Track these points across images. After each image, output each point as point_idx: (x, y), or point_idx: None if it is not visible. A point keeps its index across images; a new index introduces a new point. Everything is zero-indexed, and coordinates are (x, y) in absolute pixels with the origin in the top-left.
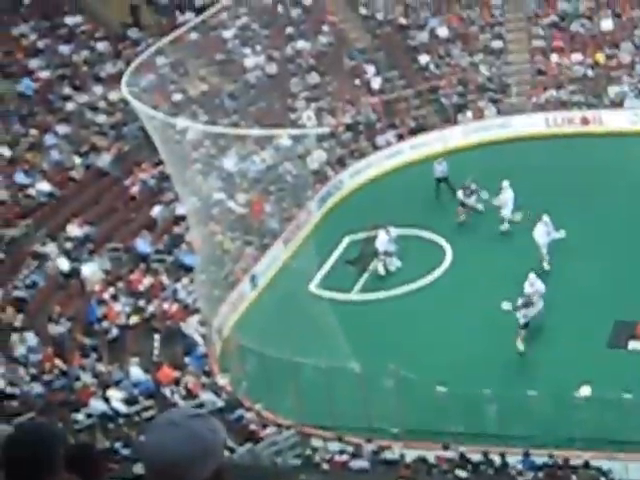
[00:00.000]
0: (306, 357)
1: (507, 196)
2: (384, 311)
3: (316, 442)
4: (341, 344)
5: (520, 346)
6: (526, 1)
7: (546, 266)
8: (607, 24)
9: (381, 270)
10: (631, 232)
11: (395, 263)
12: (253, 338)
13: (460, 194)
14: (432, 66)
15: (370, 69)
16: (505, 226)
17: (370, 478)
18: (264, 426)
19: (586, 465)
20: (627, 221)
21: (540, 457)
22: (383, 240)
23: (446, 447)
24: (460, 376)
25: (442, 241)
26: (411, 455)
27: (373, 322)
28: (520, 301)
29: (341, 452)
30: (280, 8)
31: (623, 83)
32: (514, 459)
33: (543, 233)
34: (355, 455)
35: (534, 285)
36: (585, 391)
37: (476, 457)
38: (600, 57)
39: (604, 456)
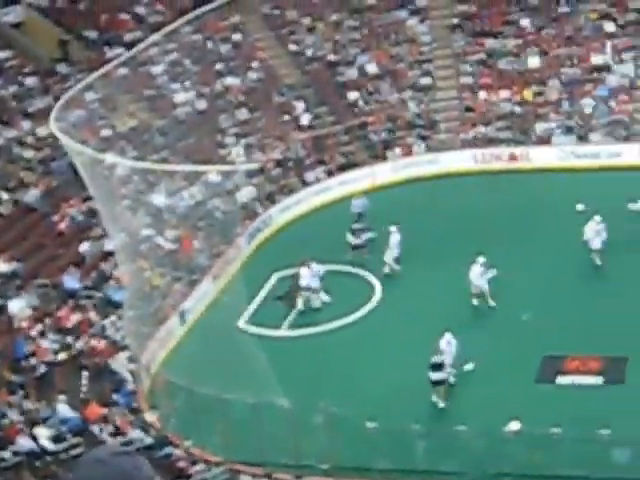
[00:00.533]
0: (235, 393)
1: (393, 240)
2: (313, 347)
3: (245, 479)
4: (270, 380)
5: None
6: (454, 38)
7: (491, 302)
8: (534, 61)
9: (300, 305)
10: (559, 268)
11: (322, 298)
12: (182, 374)
13: (350, 237)
14: (361, 102)
15: (299, 105)
16: (387, 269)
17: None
18: (193, 463)
19: None
20: (555, 257)
21: None
22: (305, 275)
23: None
24: (390, 411)
25: (371, 277)
26: None
27: (302, 358)
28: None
29: None
30: (210, 44)
31: (550, 120)
32: None
33: (478, 274)
34: None
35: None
36: (514, 426)
37: None
38: (527, 94)
39: None
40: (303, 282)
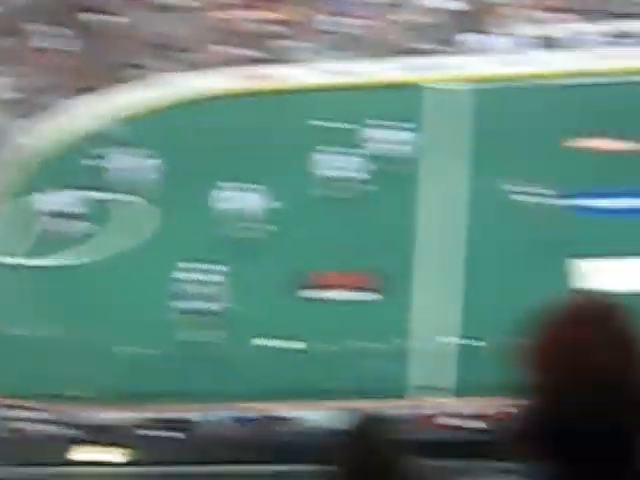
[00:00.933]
0: None
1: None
2: (69, 275)
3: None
4: (16, 309)
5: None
6: None
7: (253, 235)
8: None
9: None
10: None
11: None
12: None
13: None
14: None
15: None
16: None
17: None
18: None
19: (290, 417)
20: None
21: (245, 411)
22: (51, 201)
23: (149, 409)
24: (162, 338)
25: (141, 205)
26: (116, 419)
27: (43, 287)
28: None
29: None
30: None
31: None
32: (218, 415)
33: (242, 203)
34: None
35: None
36: (281, 343)
37: (183, 416)
38: (286, 14)
39: (307, 406)
40: (48, 207)
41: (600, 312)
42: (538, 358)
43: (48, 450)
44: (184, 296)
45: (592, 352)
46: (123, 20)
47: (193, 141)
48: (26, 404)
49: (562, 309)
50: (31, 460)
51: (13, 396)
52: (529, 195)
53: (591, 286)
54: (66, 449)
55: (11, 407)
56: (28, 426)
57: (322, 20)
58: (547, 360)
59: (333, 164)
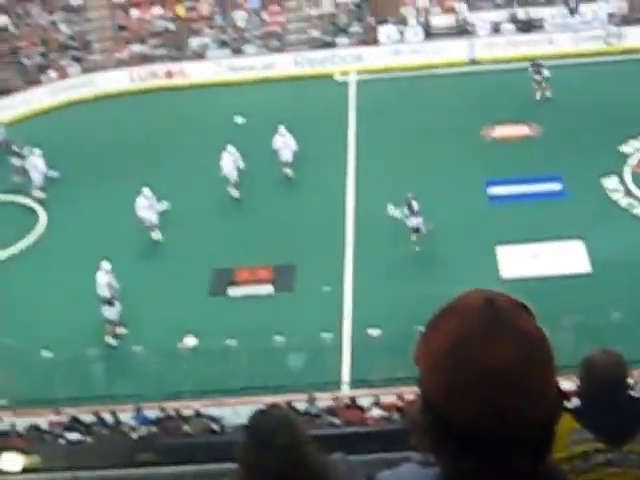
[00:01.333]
0: None
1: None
2: None
3: None
4: None
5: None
6: None
7: (155, 236)
8: None
9: None
10: (222, 183)
11: None
12: None
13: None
14: (11, 27)
15: None
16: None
17: None
18: None
19: (197, 414)
20: (217, 172)
21: (152, 411)
22: None
23: (57, 412)
24: (64, 340)
25: (35, 205)
26: (23, 424)
27: None
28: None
29: None
30: None
31: (204, 34)
32: (126, 416)
33: (145, 206)
34: None
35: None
36: (190, 342)
37: (88, 418)
38: (180, 10)
39: (214, 403)
40: None
41: (483, 301)
42: (426, 351)
43: None
44: (93, 296)
45: (480, 344)
46: (34, 22)
47: (93, 139)
48: None
49: (454, 301)
50: None
51: None
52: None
53: (510, 272)
54: None
55: None
56: None
57: (225, 15)
58: (434, 353)
59: (234, 162)
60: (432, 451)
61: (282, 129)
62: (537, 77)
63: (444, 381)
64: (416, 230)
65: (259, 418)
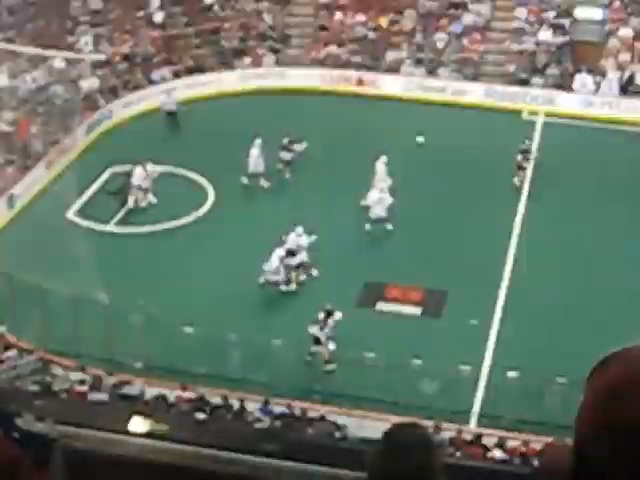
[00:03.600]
0: (56, 284)
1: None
2: (140, 247)
3: (57, 370)
4: (93, 275)
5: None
6: None
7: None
8: None
9: (131, 203)
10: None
11: (149, 199)
12: (4, 259)
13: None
14: (217, 7)
15: (154, 2)
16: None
17: (107, 410)
18: (5, 348)
19: (322, 418)
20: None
21: (279, 406)
22: (138, 174)
23: (185, 388)
24: (208, 319)
25: (204, 182)
26: (151, 392)
27: (128, 256)
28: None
29: (81, 382)
30: None
31: (402, 49)
32: (253, 406)
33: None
34: (95, 387)
35: (300, 239)
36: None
37: (215, 400)
38: (383, 20)
39: (341, 411)
40: (135, 181)
41: None
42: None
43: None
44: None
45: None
46: (239, 6)
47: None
48: (69, 364)
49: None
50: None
51: (67, 356)
52: None
53: None
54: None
55: (65, 368)
56: (76, 388)
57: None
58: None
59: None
60: None
61: None
62: None
63: (596, 434)
64: None
65: (402, 432)
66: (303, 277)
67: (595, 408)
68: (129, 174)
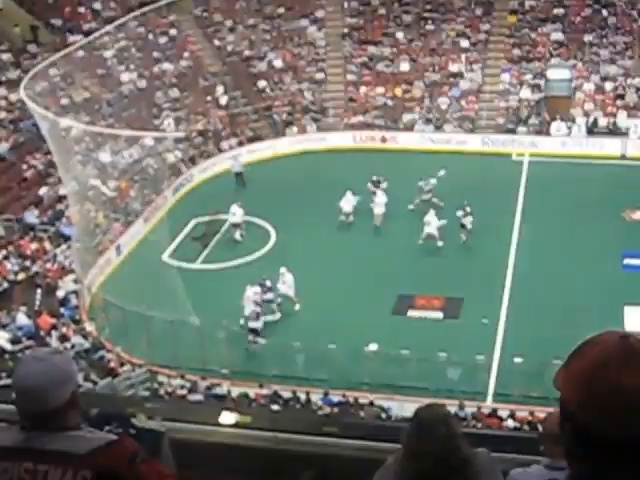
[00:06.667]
0: (157, 312)
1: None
2: (220, 278)
3: (162, 378)
4: (185, 303)
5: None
6: (344, 44)
7: (439, 243)
8: (404, 66)
9: (238, 237)
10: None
11: (240, 235)
12: (116, 295)
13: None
14: (268, 89)
15: (219, 89)
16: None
17: (203, 408)
18: (121, 364)
19: (371, 403)
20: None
21: (336, 396)
22: (239, 214)
23: (261, 386)
24: (276, 331)
25: (267, 225)
26: (236, 391)
27: (211, 286)
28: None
29: (181, 387)
30: (151, 36)
31: (414, 112)
32: (316, 397)
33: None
34: (192, 390)
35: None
36: (373, 347)
37: (286, 394)
38: (398, 91)
39: (385, 397)
40: (237, 219)
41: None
42: (568, 374)
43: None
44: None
45: (615, 369)
46: (285, 87)
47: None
48: (176, 374)
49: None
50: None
51: (170, 367)
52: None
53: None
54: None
55: (168, 376)
56: (178, 391)
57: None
58: (575, 375)
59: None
60: (566, 456)
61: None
62: None
63: (584, 397)
64: None
65: (424, 411)
66: None
67: (581, 377)
68: (210, 222)
